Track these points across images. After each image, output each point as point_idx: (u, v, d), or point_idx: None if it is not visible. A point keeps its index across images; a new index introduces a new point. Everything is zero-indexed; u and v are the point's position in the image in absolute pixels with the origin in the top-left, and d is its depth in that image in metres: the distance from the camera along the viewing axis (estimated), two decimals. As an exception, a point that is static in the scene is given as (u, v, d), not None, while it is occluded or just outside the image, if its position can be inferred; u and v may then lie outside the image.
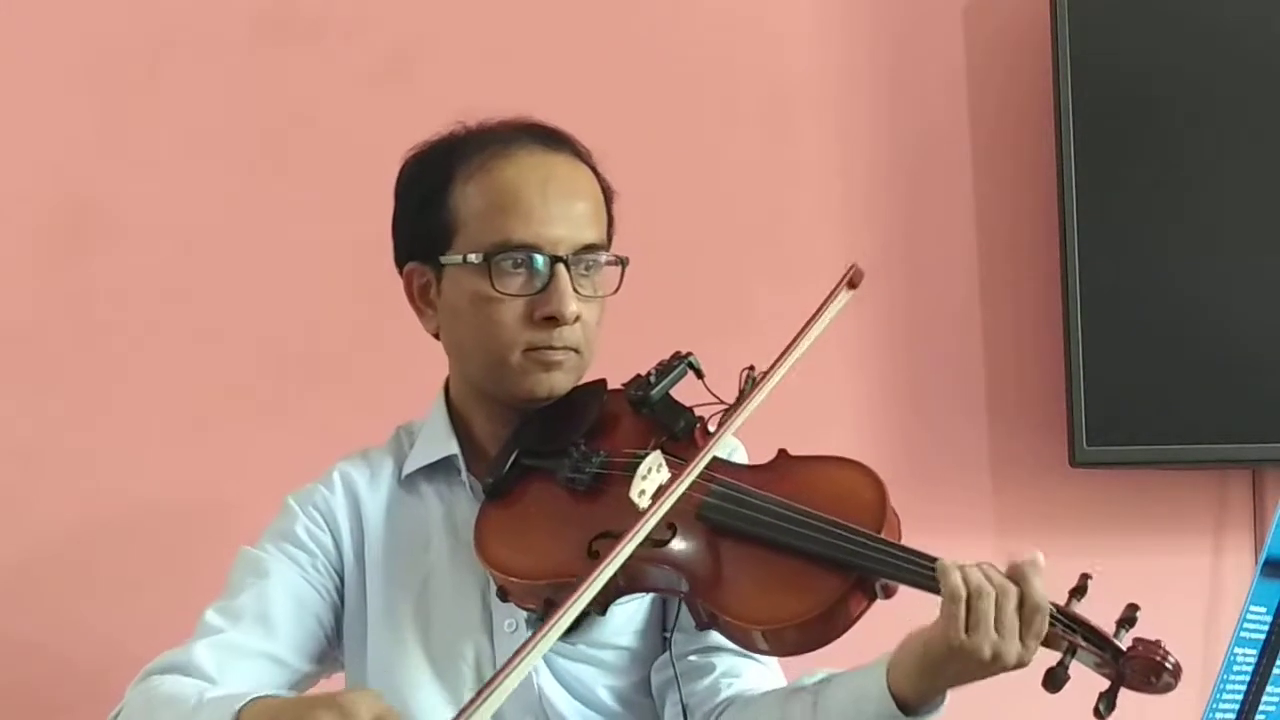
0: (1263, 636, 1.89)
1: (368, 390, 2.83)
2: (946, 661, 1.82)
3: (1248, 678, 1.89)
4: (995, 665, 1.81)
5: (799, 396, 2.94)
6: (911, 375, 3.05)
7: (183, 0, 2.94)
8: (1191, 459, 2.95)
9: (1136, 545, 3.03)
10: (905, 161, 3.06)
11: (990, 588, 1.80)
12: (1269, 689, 1.89)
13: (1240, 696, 1.89)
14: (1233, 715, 1.88)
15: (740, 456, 2.12)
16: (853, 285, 2.09)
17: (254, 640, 2.02)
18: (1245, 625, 1.88)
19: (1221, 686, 1.88)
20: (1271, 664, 1.89)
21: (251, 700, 1.81)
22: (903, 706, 1.87)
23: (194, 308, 2.90)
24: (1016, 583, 1.81)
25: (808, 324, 2.03)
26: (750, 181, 3.04)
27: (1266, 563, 1.89)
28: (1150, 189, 2.94)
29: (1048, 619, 1.80)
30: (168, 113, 2.92)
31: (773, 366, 1.99)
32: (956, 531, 3.01)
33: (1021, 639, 1.80)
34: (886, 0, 3.07)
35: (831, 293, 2.07)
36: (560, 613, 1.77)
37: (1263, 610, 1.89)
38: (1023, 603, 1.80)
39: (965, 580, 1.80)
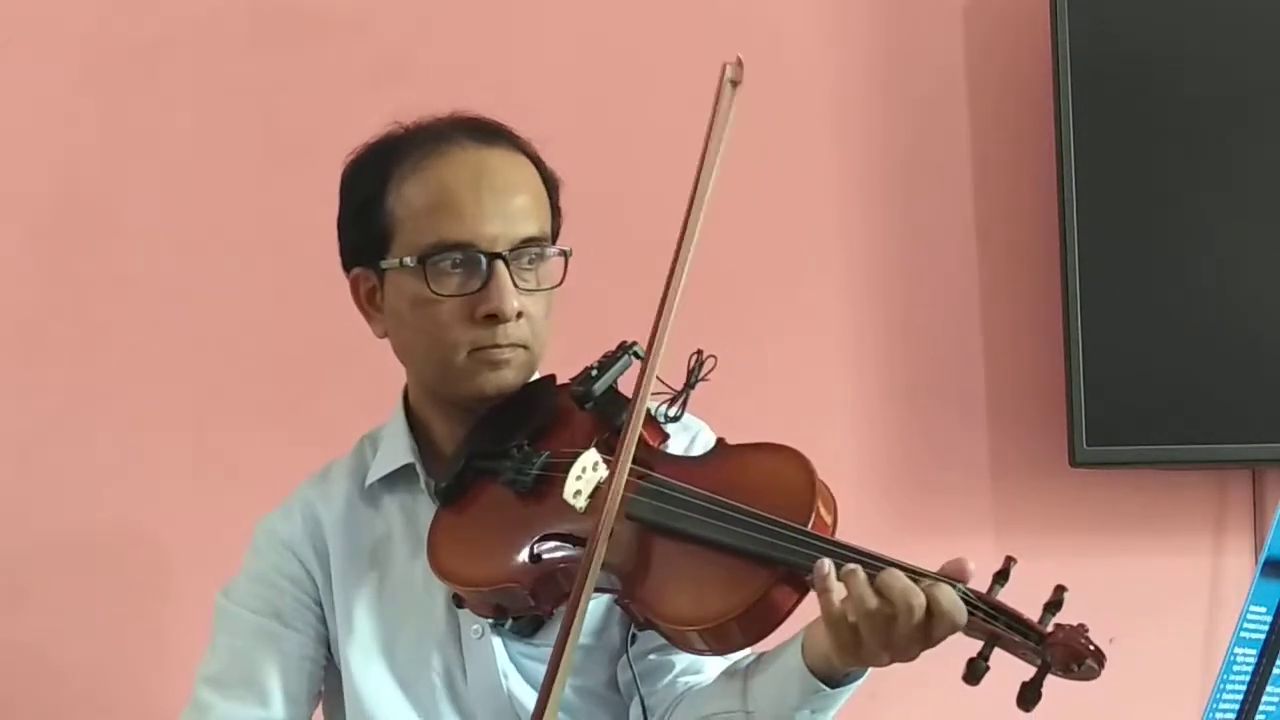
0: (1263, 636, 1.89)
1: (368, 390, 2.82)
2: (850, 661, 1.78)
3: (1248, 678, 1.89)
4: (900, 661, 1.76)
5: (798, 396, 2.96)
6: (911, 375, 3.05)
7: (183, 0, 2.94)
8: (1191, 459, 2.94)
9: (1136, 546, 3.03)
10: (905, 161, 3.06)
11: (873, 603, 1.72)
12: (1269, 689, 1.89)
13: (1240, 697, 1.89)
14: (1233, 715, 1.88)
15: (704, 439, 2.07)
16: (734, 83, 1.97)
17: (249, 710, 2.02)
18: (1245, 625, 1.88)
19: (1221, 687, 1.87)
20: (1271, 664, 1.89)
21: None
22: (825, 680, 1.83)
23: (193, 307, 2.90)
24: (928, 601, 1.72)
25: (706, 143, 1.96)
26: (749, 181, 3.04)
27: (1266, 563, 1.89)
28: (1150, 189, 2.94)
29: (961, 627, 1.73)
30: (168, 112, 2.92)
31: (688, 212, 1.94)
32: (956, 532, 3.02)
33: (929, 643, 1.74)
34: (886, 0, 3.07)
35: (716, 98, 1.95)
36: (561, 646, 1.77)
37: (1263, 610, 1.89)
38: (933, 618, 1.72)
39: (855, 601, 1.72)
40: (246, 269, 2.91)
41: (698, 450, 2.05)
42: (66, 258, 2.89)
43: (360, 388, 2.85)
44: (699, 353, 1.94)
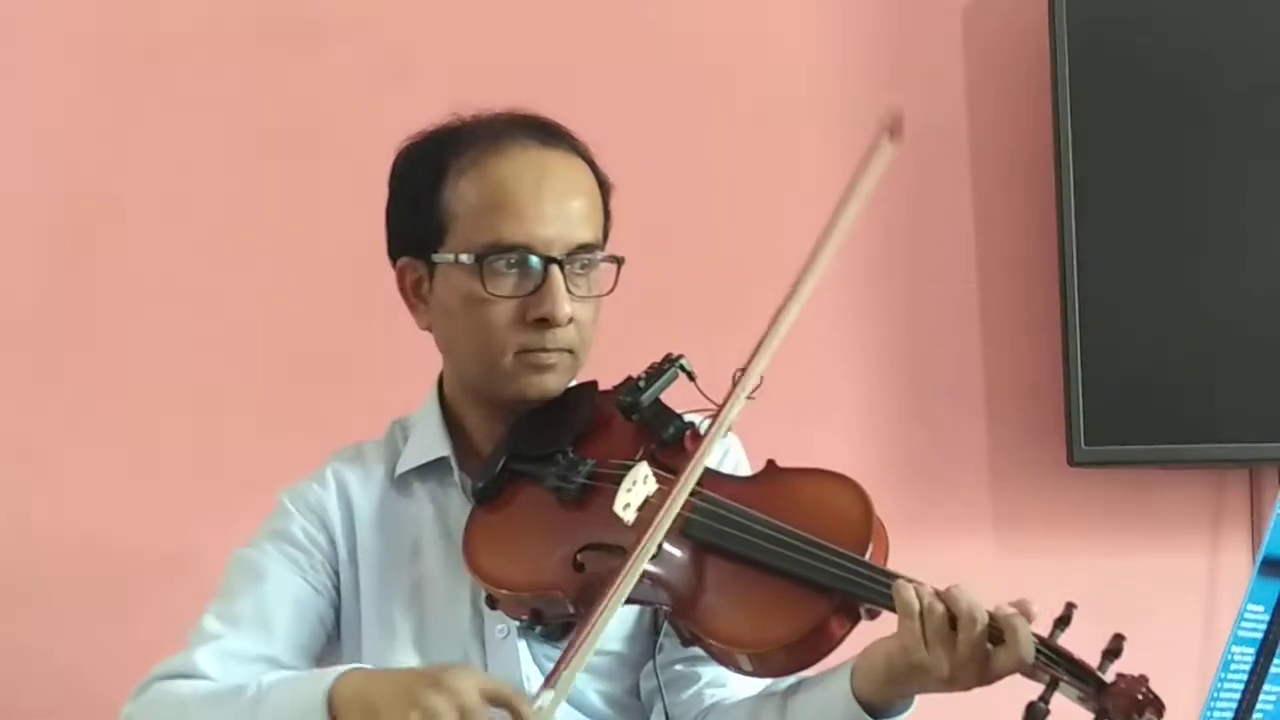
0: (1260, 635, 1.90)
1: (368, 390, 2.83)
2: (908, 675, 1.81)
3: (1245, 676, 1.89)
4: (957, 685, 1.79)
5: (798, 396, 2.96)
6: (911, 375, 3.05)
7: (185, 1, 2.94)
8: (1189, 459, 2.95)
9: (1135, 545, 3.04)
10: (905, 161, 3.05)
11: (941, 607, 1.77)
12: (1266, 687, 1.89)
13: (1238, 695, 1.89)
14: (1230, 714, 1.89)
15: (736, 453, 2.09)
16: (894, 134, 1.98)
17: (254, 645, 1.99)
18: (1243, 624, 1.88)
19: (1219, 685, 1.88)
20: (1269, 662, 1.89)
21: (342, 675, 1.80)
22: (869, 709, 1.85)
23: (194, 307, 2.91)
24: (1000, 633, 1.76)
25: (849, 190, 1.96)
26: (750, 182, 3.04)
27: (1264, 561, 1.90)
28: (1149, 189, 2.94)
29: (1027, 665, 1.77)
30: (169, 113, 2.92)
31: (813, 252, 1.96)
32: (956, 531, 3.02)
33: (990, 674, 1.77)
34: (886, 0, 3.07)
35: (870, 149, 1.97)
36: (578, 646, 1.78)
37: (1260, 609, 1.89)
38: (1002, 645, 1.76)
39: (919, 596, 1.78)
40: (250, 270, 2.92)
41: (730, 464, 2.06)
42: (71, 259, 2.90)
43: (362, 387, 2.87)
44: (742, 371, 1.93)
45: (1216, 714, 1.88)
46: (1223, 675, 1.88)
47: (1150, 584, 3.01)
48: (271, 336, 2.91)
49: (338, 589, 2.08)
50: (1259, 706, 1.89)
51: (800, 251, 3.00)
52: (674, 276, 2.88)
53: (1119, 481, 3.03)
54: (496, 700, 1.71)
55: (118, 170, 2.91)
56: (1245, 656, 1.89)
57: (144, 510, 2.87)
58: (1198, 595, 3.03)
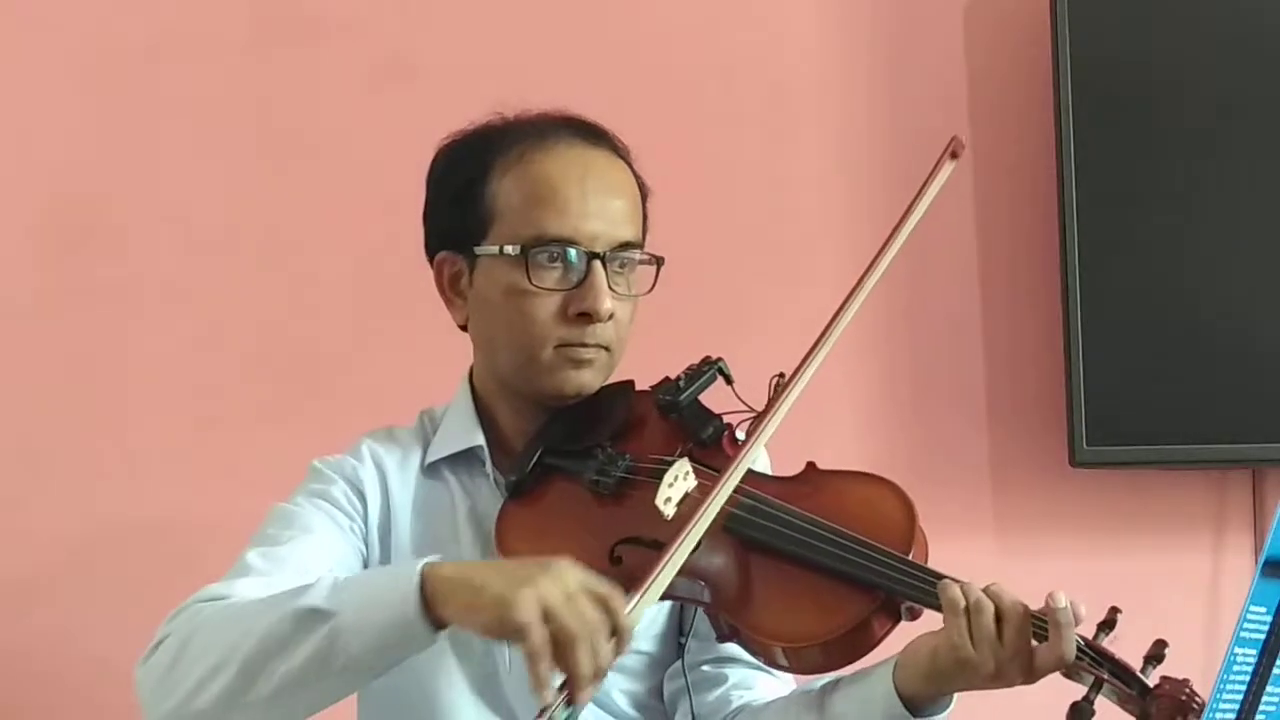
0: (1263, 637, 1.89)
1: (368, 390, 2.83)
2: (953, 672, 1.83)
3: (1247, 678, 1.89)
4: (1001, 681, 1.81)
5: (800, 397, 2.95)
6: (911, 376, 3.05)
7: (182, 0, 2.94)
8: (1191, 459, 2.95)
9: (1136, 545, 3.03)
10: (905, 161, 3.06)
11: (988, 603, 1.80)
12: (1269, 689, 1.89)
13: (1240, 697, 1.88)
14: (1232, 716, 1.88)
15: (763, 462, 2.10)
16: (954, 156, 2.06)
17: None
18: (1245, 625, 1.87)
19: (1221, 687, 1.87)
20: (1271, 664, 1.89)
21: (430, 560, 1.77)
22: (910, 706, 1.87)
23: (194, 308, 2.91)
24: (1044, 629, 1.79)
25: (913, 202, 2.04)
26: (750, 182, 3.04)
27: (1266, 562, 1.89)
28: (1150, 189, 2.94)
29: (1069, 662, 1.79)
30: (168, 113, 2.92)
31: (882, 250, 2.04)
32: (956, 532, 3.01)
33: (1034, 671, 1.80)
34: (886, 0, 3.07)
35: (935, 166, 2.05)
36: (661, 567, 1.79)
37: (1263, 610, 1.89)
38: (1044, 643, 1.79)
39: (965, 593, 1.81)
40: (246, 269, 2.92)
41: (758, 470, 2.07)
42: (66, 258, 2.90)
43: (362, 387, 2.87)
44: (780, 375, 1.97)
45: (1219, 716, 1.87)
46: (1225, 677, 1.87)
47: (1152, 585, 3.01)
48: (269, 336, 2.91)
49: (364, 560, 2.07)
50: (1261, 708, 1.88)
51: (797, 252, 3.02)
52: (670, 278, 2.88)
53: (1121, 482, 3.03)
54: (595, 596, 1.71)
55: (114, 170, 2.91)
56: (1248, 658, 1.88)
57: (142, 511, 2.87)
58: (1200, 596, 3.03)
